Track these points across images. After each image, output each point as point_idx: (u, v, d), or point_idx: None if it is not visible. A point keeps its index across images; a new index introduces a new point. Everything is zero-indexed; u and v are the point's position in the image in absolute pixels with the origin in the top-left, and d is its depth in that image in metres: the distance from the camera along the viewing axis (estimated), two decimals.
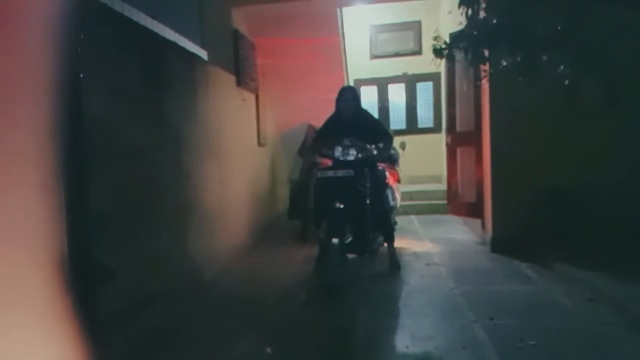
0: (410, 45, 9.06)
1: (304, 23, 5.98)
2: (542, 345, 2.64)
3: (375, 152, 4.09)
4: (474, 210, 5.28)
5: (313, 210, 4.14)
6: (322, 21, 6.10)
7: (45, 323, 1.03)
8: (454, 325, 3.05)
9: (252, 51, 5.85)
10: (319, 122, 4.58)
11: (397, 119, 9.32)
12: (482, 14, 3.29)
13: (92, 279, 1.70)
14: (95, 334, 1.11)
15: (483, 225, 5.12)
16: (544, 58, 3.09)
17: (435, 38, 3.61)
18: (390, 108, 9.41)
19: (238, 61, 5.28)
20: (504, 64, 3.29)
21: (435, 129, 8.98)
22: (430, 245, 5.31)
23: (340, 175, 3.88)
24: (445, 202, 6.37)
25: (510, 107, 4.45)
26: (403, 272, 4.28)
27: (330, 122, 4.31)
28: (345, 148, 3.99)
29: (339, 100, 4.21)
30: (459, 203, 5.75)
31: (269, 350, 2.78)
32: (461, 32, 3.45)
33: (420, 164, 8.20)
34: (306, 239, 5.32)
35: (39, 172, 1.05)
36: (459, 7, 3.26)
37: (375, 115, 6.63)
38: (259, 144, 6.14)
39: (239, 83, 5.28)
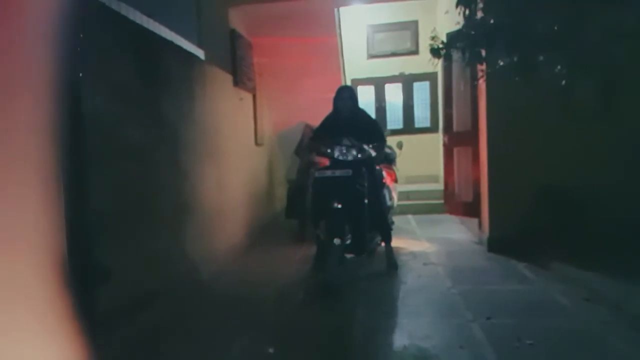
0: (407, 45, 9.07)
1: (301, 22, 5.98)
2: (540, 345, 2.65)
3: (373, 153, 4.10)
4: (471, 209, 5.30)
5: (311, 209, 4.12)
6: (320, 21, 6.11)
7: (45, 322, 1.03)
8: (452, 325, 3.06)
9: (249, 51, 5.84)
10: (316, 122, 4.58)
11: (394, 119, 9.33)
12: (479, 14, 3.29)
13: (91, 278, 1.70)
14: (93, 333, 1.11)
15: (480, 224, 5.13)
16: (541, 58, 3.10)
17: (433, 38, 3.61)
18: (388, 108, 9.41)
19: (235, 61, 5.27)
20: (501, 63, 3.30)
21: (432, 129, 9.00)
22: (427, 244, 5.32)
23: (338, 175, 3.87)
24: (442, 201, 6.39)
25: (507, 107, 4.46)
26: (400, 271, 4.28)
27: (327, 121, 4.31)
28: (345, 148, 3.99)
29: (336, 99, 4.21)
30: (456, 202, 5.77)
31: (267, 349, 2.77)
32: (458, 31, 3.46)
33: (417, 163, 8.22)
34: (304, 238, 5.32)
35: (39, 171, 1.05)
36: (457, 7, 3.26)
37: (373, 115, 6.65)
38: (256, 143, 6.13)
39: (236, 82, 5.27)
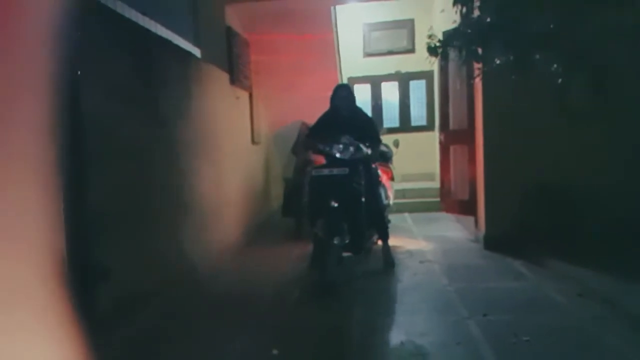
0: (404, 44, 9.08)
1: (297, 20, 5.97)
2: (536, 341, 2.67)
3: (369, 152, 4.10)
4: (466, 207, 5.32)
5: (308, 208, 4.11)
6: (316, 18, 6.10)
7: (45, 322, 1.04)
8: (448, 322, 3.07)
9: (246, 49, 5.83)
10: (312, 120, 4.57)
11: (390, 117, 9.34)
12: (476, 13, 3.31)
13: (91, 278, 1.69)
14: (92, 333, 1.11)
15: (476, 222, 5.15)
16: (537, 57, 3.12)
17: (430, 36, 3.63)
18: (384, 106, 9.42)
19: (231, 59, 5.27)
20: (498, 62, 3.32)
21: (428, 127, 9.01)
22: (423, 242, 5.34)
23: (335, 173, 3.86)
24: (438, 199, 6.40)
25: (503, 106, 4.48)
26: (397, 269, 4.30)
27: (324, 119, 4.28)
28: (342, 146, 3.98)
29: (333, 97, 4.20)
30: (452, 200, 5.79)
31: (267, 349, 2.78)
32: (455, 30, 3.48)
33: (414, 161, 8.23)
34: (300, 236, 5.33)
35: (39, 171, 1.05)
36: (454, 5, 3.28)
37: (369, 113, 6.65)
38: (253, 141, 6.13)
39: (233, 81, 5.27)
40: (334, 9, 6.62)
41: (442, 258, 4.66)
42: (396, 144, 5.79)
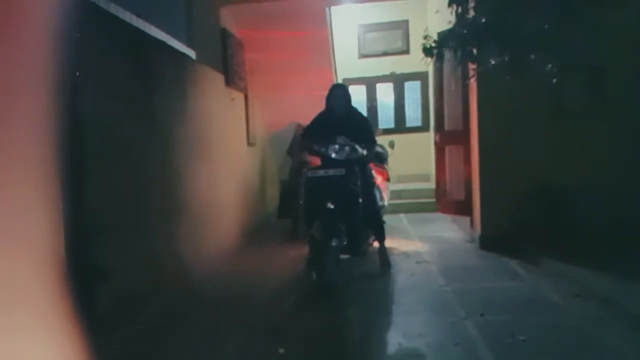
0: (398, 45, 9.10)
1: (292, 22, 5.97)
2: (533, 340, 2.68)
3: (365, 153, 4.08)
4: (462, 208, 5.33)
5: (304, 210, 4.05)
6: (311, 21, 6.10)
7: (45, 321, 1.02)
8: (446, 322, 3.08)
9: (241, 50, 5.83)
10: (308, 121, 4.56)
11: (385, 118, 9.36)
12: (471, 13, 3.32)
13: (91, 278, 1.68)
14: (92, 333, 1.10)
15: (472, 222, 5.16)
16: (532, 57, 3.13)
17: (426, 37, 3.63)
18: (379, 107, 9.45)
19: (226, 60, 5.26)
20: (493, 62, 3.33)
21: (424, 128, 9.04)
22: (419, 243, 5.35)
23: (331, 174, 3.83)
24: (433, 200, 6.42)
25: (498, 106, 4.49)
26: (394, 270, 4.30)
27: (319, 119, 4.25)
28: (338, 146, 3.95)
29: (329, 98, 4.18)
30: (448, 201, 5.80)
31: (264, 348, 2.77)
32: (450, 31, 3.49)
33: (409, 162, 8.25)
34: (296, 237, 5.32)
35: (38, 170, 1.04)
36: (449, 6, 3.29)
37: (365, 114, 6.64)
38: (249, 143, 6.12)
39: (228, 82, 5.26)
40: (329, 10, 6.62)
41: (439, 258, 4.66)
42: (392, 145, 5.80)
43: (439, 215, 6.30)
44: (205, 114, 4.46)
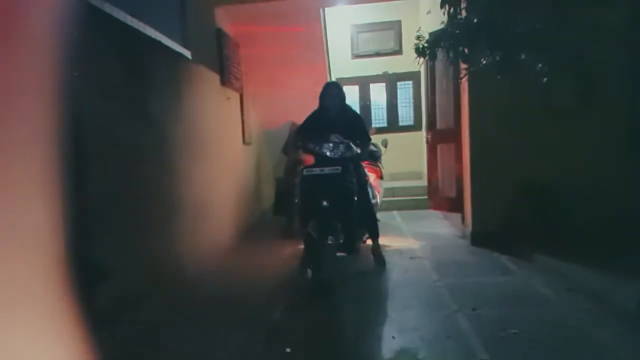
0: (391, 45, 9.18)
1: (286, 22, 6.00)
2: (524, 334, 2.73)
3: (359, 151, 4.11)
4: (454, 205, 5.40)
5: (299, 208, 4.06)
6: (305, 19, 6.14)
7: (45, 320, 1.06)
8: (439, 316, 3.13)
9: (236, 49, 5.86)
10: (303, 120, 4.60)
11: (378, 118, 9.45)
12: (463, 14, 3.38)
13: (91, 278, 1.71)
14: (90, 333, 1.14)
15: (463, 219, 5.24)
16: (523, 57, 3.19)
17: (419, 37, 3.69)
18: (372, 107, 9.52)
19: (222, 60, 5.29)
20: (484, 62, 3.39)
21: (416, 127, 9.12)
22: (412, 240, 5.41)
23: (327, 172, 3.85)
24: (426, 197, 6.49)
25: (489, 105, 4.56)
26: (388, 266, 4.35)
27: (313, 117, 4.25)
28: (333, 145, 3.97)
29: (323, 96, 4.18)
30: (440, 198, 5.87)
31: (263, 346, 2.81)
32: (443, 31, 3.54)
33: (402, 161, 8.32)
34: (292, 235, 5.37)
35: (38, 171, 1.08)
36: (441, 6, 3.34)
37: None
38: (244, 142, 6.15)
39: (223, 82, 5.29)
40: (323, 11, 6.67)
41: (432, 255, 4.73)
42: (385, 143, 5.86)
43: (431, 212, 6.38)
44: (201, 113, 4.49)
